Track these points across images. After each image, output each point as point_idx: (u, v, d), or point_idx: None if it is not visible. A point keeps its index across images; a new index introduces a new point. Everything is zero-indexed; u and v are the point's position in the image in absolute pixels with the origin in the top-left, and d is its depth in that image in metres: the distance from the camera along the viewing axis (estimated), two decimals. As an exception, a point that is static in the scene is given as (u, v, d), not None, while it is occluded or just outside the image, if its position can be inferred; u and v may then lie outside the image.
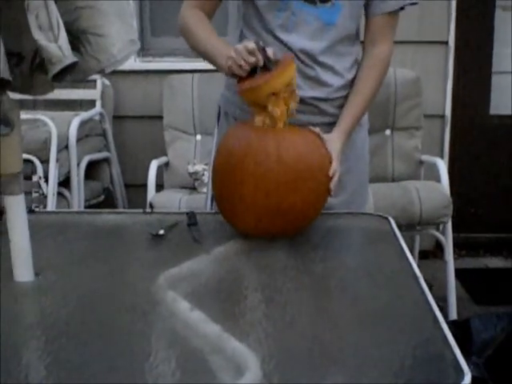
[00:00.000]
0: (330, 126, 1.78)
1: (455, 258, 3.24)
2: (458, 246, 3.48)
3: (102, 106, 3.54)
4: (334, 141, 1.67)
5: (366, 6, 1.79)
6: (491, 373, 1.70)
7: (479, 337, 1.63)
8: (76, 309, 1.20)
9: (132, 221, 1.75)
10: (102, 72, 1.24)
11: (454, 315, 2.95)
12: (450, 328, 1.66)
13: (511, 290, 3.26)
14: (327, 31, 1.74)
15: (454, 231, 3.15)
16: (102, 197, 3.51)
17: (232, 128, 1.67)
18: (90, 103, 3.52)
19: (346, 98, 1.81)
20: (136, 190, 3.63)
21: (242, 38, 1.85)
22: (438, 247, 3.54)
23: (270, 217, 1.49)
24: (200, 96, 3.45)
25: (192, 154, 3.40)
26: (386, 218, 1.72)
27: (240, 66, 1.55)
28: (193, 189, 3.27)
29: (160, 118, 3.52)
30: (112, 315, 1.19)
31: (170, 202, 2.99)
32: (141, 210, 1.79)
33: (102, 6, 1.16)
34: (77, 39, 1.17)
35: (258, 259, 1.44)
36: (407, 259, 1.46)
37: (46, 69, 1.11)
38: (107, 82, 3.55)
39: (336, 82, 1.79)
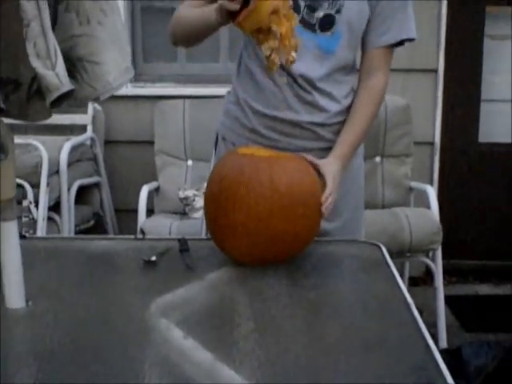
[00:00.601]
0: (326, 151, 1.79)
1: (445, 285, 3.25)
2: (447, 272, 3.48)
3: (93, 130, 3.55)
4: (328, 164, 1.68)
5: (363, 38, 1.81)
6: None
7: (471, 365, 1.63)
8: (68, 336, 1.19)
9: (123, 247, 1.75)
10: (97, 99, 1.24)
11: (444, 342, 2.95)
12: (443, 356, 1.67)
13: (501, 318, 3.26)
14: (326, 59, 1.76)
15: (443, 258, 3.17)
16: (92, 222, 3.50)
17: (225, 155, 1.68)
18: (81, 128, 3.53)
19: (342, 123, 1.83)
20: (126, 214, 3.63)
21: (241, 61, 1.87)
22: (428, 274, 3.55)
23: (263, 244, 1.49)
24: (191, 121, 3.47)
25: (183, 179, 3.40)
26: (378, 246, 1.73)
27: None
28: (183, 214, 3.27)
29: (151, 143, 3.54)
30: (105, 342, 1.18)
31: (161, 227, 2.99)
32: (132, 236, 1.79)
33: (99, 33, 1.17)
34: (73, 67, 1.18)
35: (251, 286, 1.44)
36: (399, 287, 1.46)
37: (43, 95, 1.11)
38: (98, 107, 3.57)
39: (333, 107, 1.81)
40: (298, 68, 1.74)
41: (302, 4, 1.73)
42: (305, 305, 1.37)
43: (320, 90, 1.79)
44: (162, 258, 1.59)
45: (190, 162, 3.44)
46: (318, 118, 1.81)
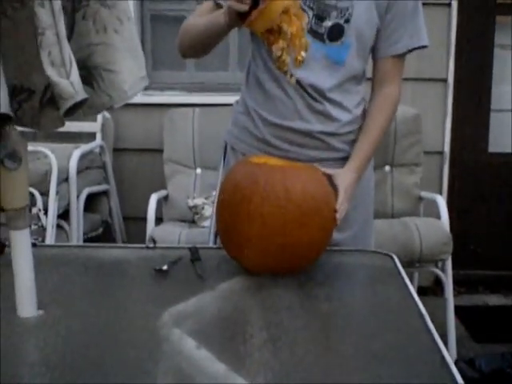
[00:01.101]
0: (338, 161, 1.79)
1: (454, 295, 3.23)
2: (457, 282, 3.46)
3: (103, 138, 3.55)
4: (342, 175, 1.68)
5: (374, 47, 1.81)
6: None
7: (484, 376, 1.62)
8: (80, 345, 1.19)
9: (134, 255, 1.74)
10: (111, 108, 1.24)
11: (453, 353, 2.93)
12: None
13: (511, 328, 3.24)
14: (336, 70, 1.75)
15: (453, 268, 3.15)
16: (101, 229, 3.50)
17: (237, 164, 1.67)
18: (91, 136, 3.53)
19: (353, 133, 1.82)
20: (134, 222, 3.63)
21: (250, 70, 1.87)
22: (437, 284, 3.53)
23: (276, 254, 1.48)
24: (200, 130, 3.46)
25: (192, 187, 3.40)
26: (390, 256, 1.72)
27: (241, 1, 1.52)
28: (192, 222, 3.26)
29: (160, 151, 3.53)
30: (117, 352, 1.17)
31: (170, 235, 2.98)
32: (143, 245, 1.79)
33: (115, 42, 1.17)
34: (90, 75, 1.18)
35: (264, 297, 1.43)
36: (412, 297, 1.45)
37: (56, 104, 1.11)
38: (107, 115, 3.57)
39: (344, 117, 1.80)
40: (308, 78, 1.73)
41: (311, 14, 1.72)
42: (318, 316, 1.36)
43: (330, 100, 1.78)
44: (173, 266, 1.58)
45: (198, 171, 3.44)
46: (329, 127, 1.80)
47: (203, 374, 1.08)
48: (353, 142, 1.83)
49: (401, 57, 1.82)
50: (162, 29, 3.88)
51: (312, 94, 1.76)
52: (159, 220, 3.32)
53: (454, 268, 3.15)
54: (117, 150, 3.71)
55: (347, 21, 1.73)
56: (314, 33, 1.73)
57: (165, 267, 1.56)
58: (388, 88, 1.82)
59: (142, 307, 1.39)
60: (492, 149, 3.89)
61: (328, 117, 1.79)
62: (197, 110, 3.52)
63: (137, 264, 1.68)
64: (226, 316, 1.35)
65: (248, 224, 1.46)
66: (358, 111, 1.84)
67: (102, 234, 3.50)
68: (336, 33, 1.73)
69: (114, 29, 1.17)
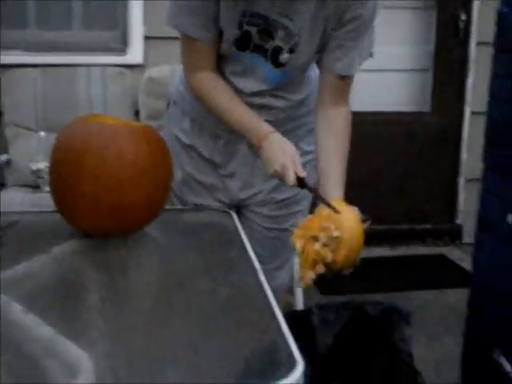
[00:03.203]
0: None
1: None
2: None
3: None
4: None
5: (322, 65, 1.69)
6: (333, 360, 1.76)
7: (318, 327, 1.68)
8: None
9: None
10: None
11: (300, 305, 3.01)
12: (291, 319, 1.71)
13: (355, 279, 3.39)
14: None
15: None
16: None
17: (70, 123, 1.62)
18: None
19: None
20: (-24, 189, 3.46)
21: None
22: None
23: (111, 214, 1.46)
24: (44, 91, 3.33)
25: (35, 151, 3.27)
26: (229, 213, 1.75)
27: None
28: (36, 187, 3.15)
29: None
30: None
31: (13, 200, 2.86)
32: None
33: None
34: None
35: (98, 258, 1.41)
36: (248, 253, 1.48)
37: None
38: None
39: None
40: (249, 88, 1.69)
41: (254, 31, 1.60)
42: (152, 275, 1.36)
43: (274, 96, 1.73)
44: (6, 231, 1.52)
45: (42, 134, 3.31)
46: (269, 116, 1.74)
47: (30, 339, 1.06)
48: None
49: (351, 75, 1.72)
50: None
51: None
52: (2, 185, 3.19)
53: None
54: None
55: (292, 50, 1.63)
56: (258, 48, 1.64)
57: (-3, 232, 1.50)
58: (344, 108, 1.69)
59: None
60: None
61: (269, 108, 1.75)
62: (39, 70, 3.37)
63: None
64: (59, 279, 1.32)
65: (81, 184, 1.43)
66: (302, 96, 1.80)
67: None
68: (278, 61, 1.65)
69: None
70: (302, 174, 1.52)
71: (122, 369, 0.98)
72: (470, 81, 3.86)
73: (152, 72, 3.29)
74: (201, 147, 1.80)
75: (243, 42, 1.63)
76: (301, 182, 1.51)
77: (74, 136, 1.50)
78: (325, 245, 1.37)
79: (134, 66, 3.45)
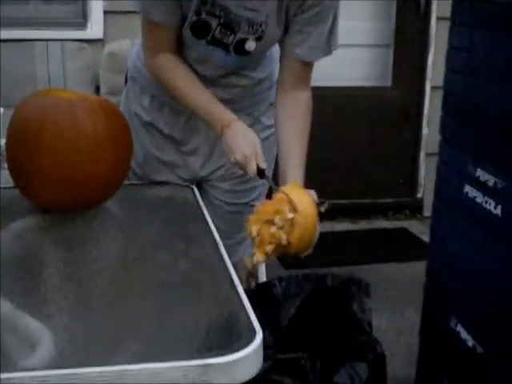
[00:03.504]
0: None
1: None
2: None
3: None
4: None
5: (284, 53, 1.67)
6: (296, 331, 1.78)
7: (280, 300, 1.70)
8: None
9: None
10: None
11: (263, 278, 3.03)
12: (254, 292, 1.72)
13: (318, 254, 3.42)
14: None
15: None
16: None
17: (27, 97, 1.59)
18: None
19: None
20: None
21: None
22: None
23: (71, 189, 1.45)
24: (2, 67, 3.27)
25: (-6, 127, 3.23)
26: (191, 188, 1.75)
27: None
28: (-4, 164, 3.11)
29: (-43, 90, 3.31)
30: None
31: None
32: None
33: None
34: None
35: (57, 233, 1.40)
36: (208, 226, 1.48)
37: None
38: None
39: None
40: (211, 72, 1.69)
41: (216, 22, 1.57)
42: (111, 249, 1.36)
43: (236, 73, 1.72)
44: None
45: (1, 110, 3.26)
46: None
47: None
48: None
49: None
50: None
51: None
52: (-40, 163, 3.13)
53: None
54: None
55: (259, 38, 1.61)
56: (217, 42, 1.61)
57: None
58: (304, 93, 1.67)
59: None
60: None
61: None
62: (-2, 45, 3.31)
63: None
64: (16, 255, 1.31)
65: (38, 159, 1.41)
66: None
67: None
68: (244, 50, 1.62)
69: None
70: (263, 165, 1.52)
71: (80, 341, 0.98)
72: (430, 56, 3.90)
73: (112, 46, 3.26)
74: (161, 124, 1.78)
75: (201, 30, 1.59)
76: (261, 174, 1.52)
77: (30, 110, 1.48)
78: (280, 228, 1.38)
79: (94, 40, 3.41)
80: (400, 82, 3.97)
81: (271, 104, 1.79)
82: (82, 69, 3.29)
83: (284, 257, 1.48)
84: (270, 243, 1.39)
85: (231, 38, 1.59)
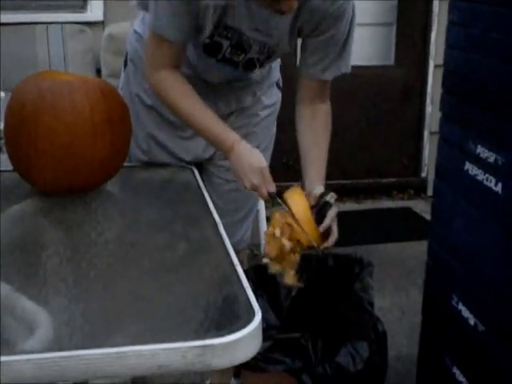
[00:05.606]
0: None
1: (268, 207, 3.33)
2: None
3: None
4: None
5: (300, 71, 1.68)
6: (298, 311, 1.79)
7: (279, 280, 1.71)
8: None
9: None
10: None
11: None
12: (255, 272, 1.73)
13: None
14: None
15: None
16: None
17: (23, 80, 1.59)
18: None
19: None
20: None
21: None
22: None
23: (69, 171, 1.44)
24: (2, 51, 3.26)
25: (-5, 111, 3.22)
26: (191, 170, 1.74)
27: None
28: (-2, 148, 3.11)
29: (-42, 74, 3.30)
30: None
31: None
32: None
33: None
34: None
35: (56, 216, 1.40)
36: (208, 207, 1.48)
37: None
38: None
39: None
40: (216, 80, 1.72)
41: (226, 44, 1.59)
42: (111, 231, 1.35)
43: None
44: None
45: (2, 94, 3.25)
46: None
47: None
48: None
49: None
50: None
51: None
52: (-38, 148, 3.13)
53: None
54: None
55: (268, 57, 1.66)
56: (227, 60, 1.63)
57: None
58: (325, 105, 1.71)
59: None
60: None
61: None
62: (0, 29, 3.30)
63: None
64: (16, 238, 1.31)
65: (36, 142, 1.41)
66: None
67: None
68: (252, 65, 1.66)
69: None
70: (272, 189, 1.52)
71: (79, 323, 0.98)
72: (433, 34, 3.86)
73: (112, 29, 3.25)
74: (162, 108, 1.77)
75: (212, 50, 1.61)
76: (272, 196, 1.53)
77: (28, 93, 1.47)
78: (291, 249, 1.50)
79: (94, 23, 3.40)
80: (403, 61, 3.94)
81: (272, 84, 1.85)
82: (82, 52, 3.28)
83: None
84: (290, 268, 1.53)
85: (241, 57, 1.62)
